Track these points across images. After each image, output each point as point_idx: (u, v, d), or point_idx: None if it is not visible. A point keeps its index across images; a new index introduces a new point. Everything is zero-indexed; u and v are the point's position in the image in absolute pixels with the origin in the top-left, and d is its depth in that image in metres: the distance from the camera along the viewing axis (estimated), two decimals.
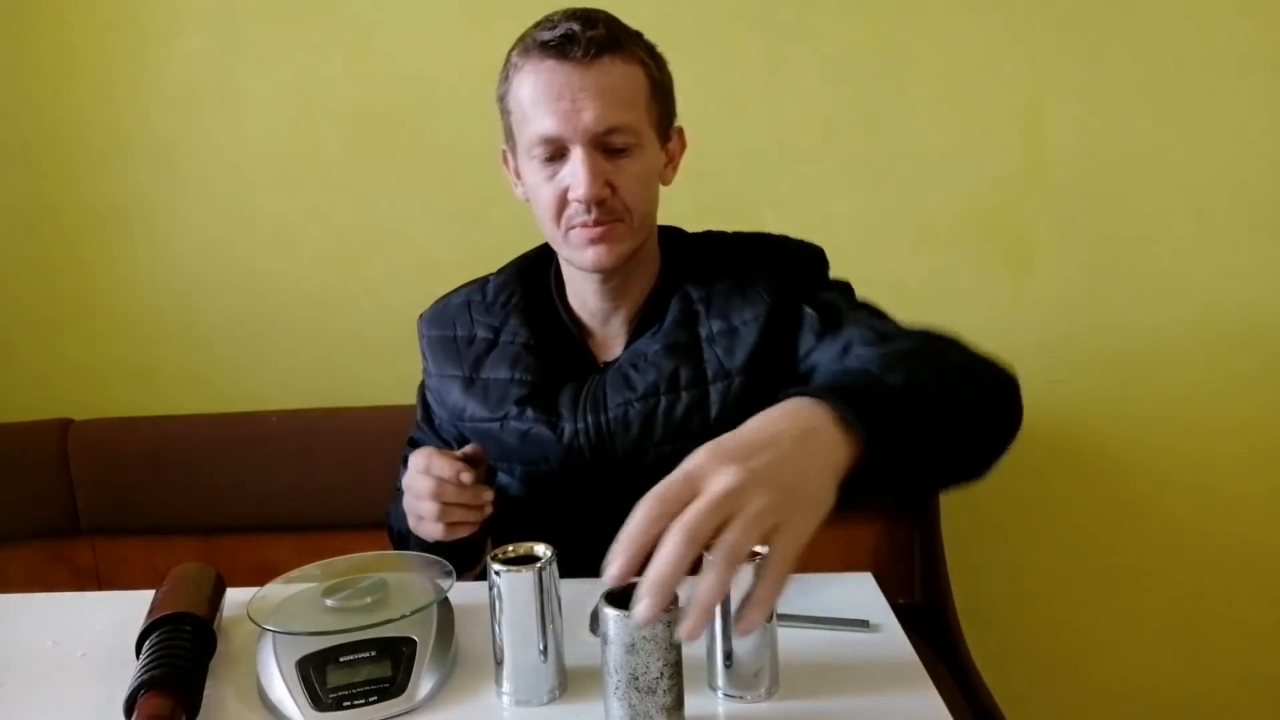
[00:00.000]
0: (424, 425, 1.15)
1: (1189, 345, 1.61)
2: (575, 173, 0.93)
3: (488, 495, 0.92)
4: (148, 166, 1.69)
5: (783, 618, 0.81)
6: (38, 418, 1.63)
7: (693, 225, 1.11)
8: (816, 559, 1.23)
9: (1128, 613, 1.71)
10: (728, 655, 0.73)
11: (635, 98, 0.94)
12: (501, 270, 1.12)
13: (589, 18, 0.93)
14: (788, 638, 0.79)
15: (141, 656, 0.77)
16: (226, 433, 1.60)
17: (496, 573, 0.73)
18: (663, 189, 1.03)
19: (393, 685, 0.75)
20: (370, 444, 1.53)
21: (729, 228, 1.10)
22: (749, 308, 0.99)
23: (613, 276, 1.01)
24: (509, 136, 1.01)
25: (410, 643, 0.78)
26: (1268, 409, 1.62)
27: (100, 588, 1.60)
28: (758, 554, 0.61)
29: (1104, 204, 1.59)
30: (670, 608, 0.61)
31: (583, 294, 1.06)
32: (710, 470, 0.58)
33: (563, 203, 0.95)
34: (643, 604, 0.55)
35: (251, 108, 1.66)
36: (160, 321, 1.73)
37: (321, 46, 1.63)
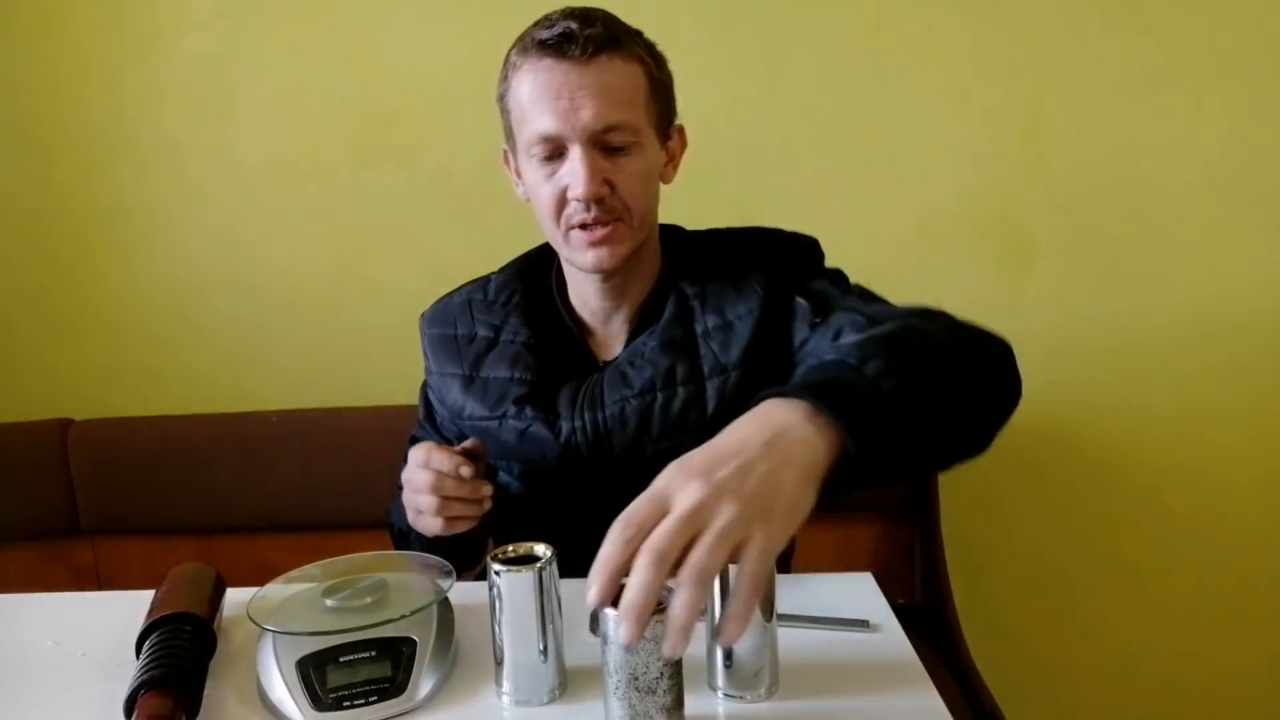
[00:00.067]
0: (426, 424, 1.15)
1: (1189, 345, 1.61)
2: (574, 171, 0.93)
3: (487, 490, 0.92)
4: (148, 166, 1.69)
5: (783, 618, 0.81)
6: (38, 418, 1.63)
7: (693, 225, 1.11)
8: (816, 559, 1.23)
9: (1128, 613, 1.71)
10: (728, 655, 0.72)
11: (634, 96, 0.94)
12: (503, 269, 1.12)
13: (587, 16, 0.93)
14: (788, 638, 0.79)
15: (141, 656, 0.77)
16: (226, 433, 1.60)
17: (496, 573, 0.73)
18: (663, 188, 1.03)
19: (393, 685, 0.75)
20: (370, 444, 1.53)
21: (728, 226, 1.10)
22: (743, 302, 0.99)
23: (613, 276, 1.01)
24: (509, 136, 1.01)
25: (410, 643, 0.78)
26: (1268, 409, 1.62)
27: (100, 588, 1.60)
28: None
29: (1104, 204, 1.59)
30: (662, 617, 0.61)
31: (583, 293, 1.06)
32: (677, 487, 0.58)
33: (562, 201, 0.95)
34: (622, 629, 0.56)
35: (251, 108, 1.66)
36: (160, 321, 1.73)
37: (321, 46, 1.63)
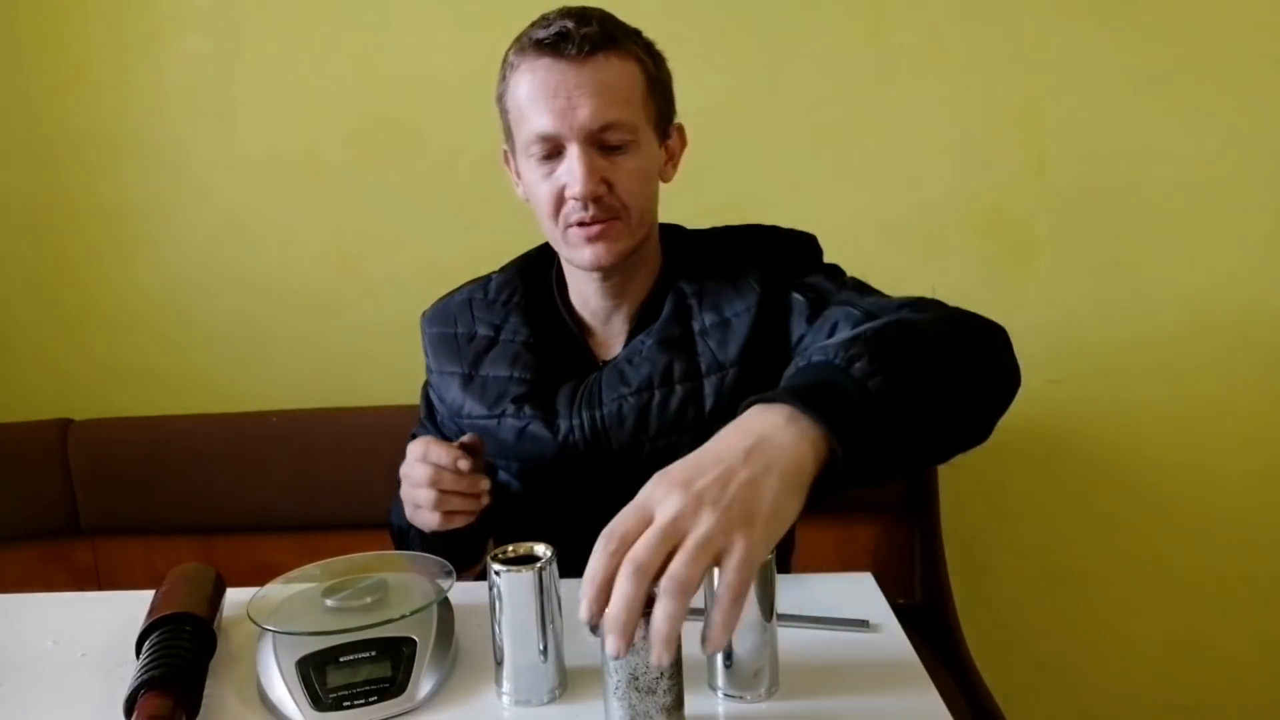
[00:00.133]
0: (426, 423, 1.15)
1: (1189, 345, 1.61)
2: (571, 169, 0.93)
3: (485, 484, 0.92)
4: (148, 167, 1.69)
5: (783, 618, 0.81)
6: (38, 418, 1.63)
7: (693, 224, 1.11)
8: (816, 559, 1.23)
9: (1128, 610, 1.71)
10: (728, 655, 0.72)
11: (631, 94, 0.94)
12: (503, 269, 1.12)
13: (583, 15, 0.93)
14: (788, 638, 0.79)
15: (141, 656, 0.76)
16: (226, 433, 1.60)
17: (496, 573, 0.73)
18: (663, 187, 1.03)
19: (393, 685, 0.75)
20: (370, 444, 1.53)
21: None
22: (740, 299, 0.99)
23: (613, 275, 1.01)
24: (508, 136, 1.01)
25: (410, 643, 0.77)
26: (1267, 403, 1.62)
27: (100, 588, 1.60)
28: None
29: (1104, 204, 1.59)
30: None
31: (584, 293, 1.06)
32: (659, 498, 0.58)
33: (560, 200, 0.96)
34: (608, 642, 0.56)
35: (251, 108, 1.66)
36: (160, 321, 1.73)
37: (321, 47, 1.63)
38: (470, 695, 0.77)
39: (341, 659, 0.76)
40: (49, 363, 1.76)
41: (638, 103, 0.95)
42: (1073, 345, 1.63)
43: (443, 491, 0.90)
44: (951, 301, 0.87)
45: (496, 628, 0.74)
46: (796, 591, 0.90)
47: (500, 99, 0.99)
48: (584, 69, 0.91)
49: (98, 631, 0.91)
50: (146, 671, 0.73)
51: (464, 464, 0.90)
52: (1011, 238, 1.61)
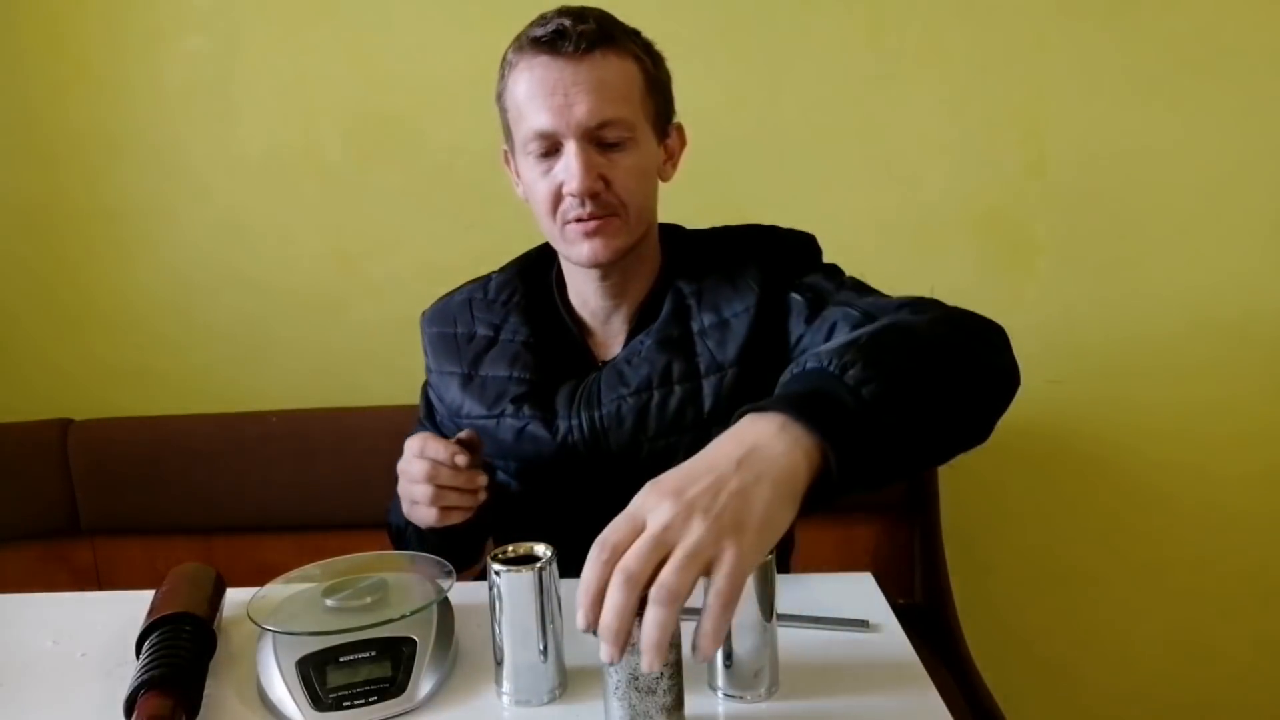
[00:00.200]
0: (426, 422, 1.15)
1: (1189, 345, 1.61)
2: (569, 166, 0.93)
3: (482, 480, 0.92)
4: (148, 167, 1.69)
5: (783, 618, 0.81)
6: (38, 418, 1.63)
7: (692, 223, 1.11)
8: (816, 559, 1.23)
9: (1128, 609, 1.71)
10: (728, 655, 0.72)
11: (628, 92, 0.94)
12: (503, 269, 1.12)
13: (581, 14, 0.93)
14: (788, 638, 0.79)
15: (141, 656, 0.76)
16: (226, 433, 1.60)
17: (496, 573, 0.73)
18: (663, 188, 1.03)
19: (393, 685, 0.75)
20: (370, 444, 1.53)
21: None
22: (739, 299, 0.99)
23: (612, 273, 1.01)
24: (508, 135, 1.02)
25: (410, 643, 0.77)
26: (1267, 403, 1.62)
27: (100, 588, 1.60)
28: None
29: (1104, 204, 1.59)
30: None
31: (583, 293, 1.06)
32: (650, 507, 0.59)
33: (558, 197, 0.96)
34: (601, 650, 0.57)
35: (251, 108, 1.66)
36: (160, 321, 1.73)
37: (321, 47, 1.63)
38: (470, 695, 0.77)
39: (341, 659, 0.76)
40: (49, 363, 1.76)
41: (635, 100, 0.95)
42: (1073, 345, 1.63)
43: (440, 487, 0.90)
44: (951, 301, 0.87)
45: (496, 628, 0.74)
46: (796, 591, 0.90)
47: (499, 98, 0.99)
48: (581, 66, 0.92)
49: (98, 631, 0.91)
50: (146, 671, 0.73)
51: (461, 459, 0.90)
52: (1011, 238, 1.61)
